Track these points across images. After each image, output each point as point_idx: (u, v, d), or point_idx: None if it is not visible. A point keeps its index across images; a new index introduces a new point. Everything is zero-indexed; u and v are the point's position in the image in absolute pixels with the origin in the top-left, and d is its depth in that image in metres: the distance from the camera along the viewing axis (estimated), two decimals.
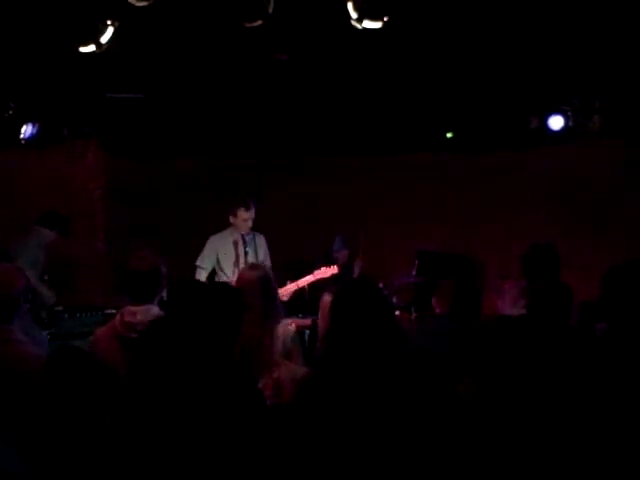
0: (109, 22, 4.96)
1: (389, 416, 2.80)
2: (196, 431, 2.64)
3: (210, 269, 6.50)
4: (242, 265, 6.27)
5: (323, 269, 6.65)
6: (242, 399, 2.82)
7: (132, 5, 4.55)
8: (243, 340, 3.31)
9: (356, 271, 7.69)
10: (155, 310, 3.71)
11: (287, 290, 6.36)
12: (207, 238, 6.58)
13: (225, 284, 4.70)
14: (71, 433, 2.71)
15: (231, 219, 6.39)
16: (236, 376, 2.89)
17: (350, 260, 7.82)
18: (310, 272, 6.64)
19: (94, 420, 2.72)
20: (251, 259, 6.30)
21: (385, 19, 4.67)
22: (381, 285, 6.49)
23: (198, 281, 6.23)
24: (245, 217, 6.33)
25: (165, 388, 2.68)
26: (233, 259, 6.41)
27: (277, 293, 4.13)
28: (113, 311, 5.97)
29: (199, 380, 2.72)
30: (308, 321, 6.50)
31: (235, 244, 6.39)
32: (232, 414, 2.74)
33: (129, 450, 2.62)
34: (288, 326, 4.10)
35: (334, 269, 6.68)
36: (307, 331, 6.24)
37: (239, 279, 4.16)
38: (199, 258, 6.50)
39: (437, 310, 4.86)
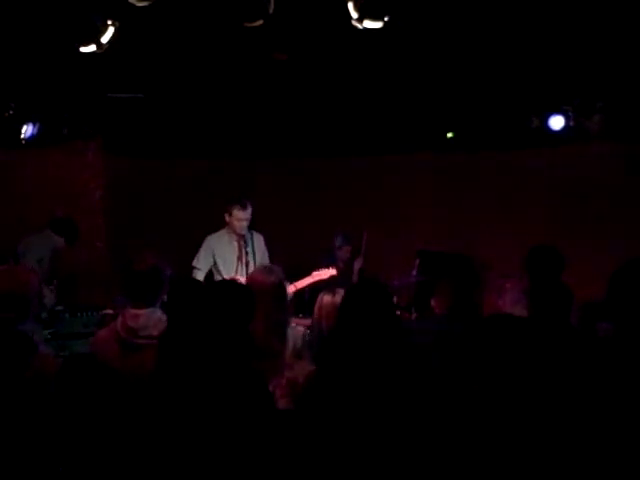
0: (109, 22, 4.96)
1: (392, 416, 2.80)
2: (210, 434, 2.65)
3: (207, 269, 6.43)
4: (244, 264, 6.25)
5: (322, 271, 6.64)
6: (253, 403, 2.81)
7: (132, 5, 4.55)
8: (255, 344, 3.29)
9: (356, 267, 7.69)
10: (158, 314, 3.67)
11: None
12: (205, 239, 6.54)
13: (233, 282, 4.67)
14: (86, 435, 2.71)
15: (227, 218, 6.31)
16: (248, 379, 2.89)
17: (352, 257, 7.81)
18: (309, 274, 6.63)
19: (107, 424, 2.73)
20: (250, 259, 6.27)
21: (385, 19, 4.66)
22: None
23: (198, 281, 6.19)
24: (240, 217, 6.22)
25: (183, 391, 2.69)
26: (232, 259, 6.38)
27: (287, 297, 4.10)
28: (110, 312, 6.00)
29: (212, 382, 2.72)
30: (308, 321, 6.49)
31: (237, 243, 6.36)
32: (242, 417, 2.74)
33: (144, 451, 2.63)
34: (297, 328, 4.10)
35: (332, 271, 6.66)
36: (307, 331, 6.23)
37: (252, 281, 4.10)
38: (195, 258, 6.44)
39: (437, 311, 4.85)
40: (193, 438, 2.66)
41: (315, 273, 6.58)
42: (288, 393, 3.51)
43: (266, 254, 6.51)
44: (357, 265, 7.69)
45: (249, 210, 6.23)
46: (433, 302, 4.84)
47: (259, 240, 6.45)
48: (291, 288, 6.37)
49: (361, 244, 7.63)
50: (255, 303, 3.19)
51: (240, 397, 2.77)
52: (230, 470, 2.68)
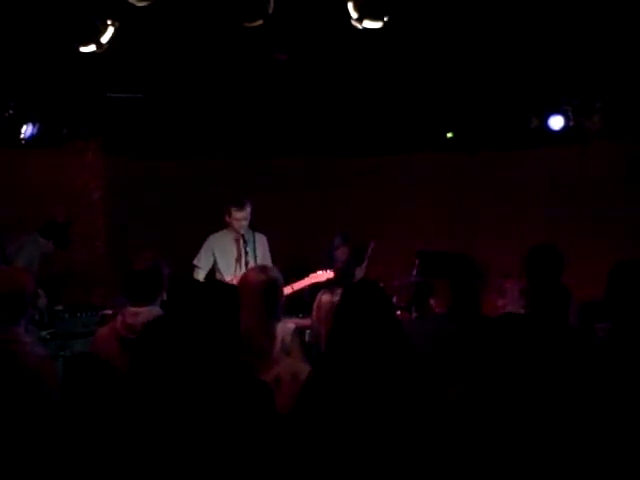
0: (109, 22, 4.96)
1: (389, 419, 2.80)
2: (203, 428, 2.65)
3: (208, 268, 6.45)
4: (243, 265, 6.26)
5: (319, 273, 6.64)
6: (250, 394, 2.81)
7: (132, 5, 4.55)
8: (242, 341, 3.30)
9: (358, 276, 7.66)
10: (157, 311, 3.69)
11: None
12: (207, 238, 6.56)
13: (217, 281, 4.68)
14: (81, 434, 2.72)
15: (226, 218, 6.34)
16: (239, 371, 2.89)
17: (351, 258, 7.79)
18: (307, 274, 6.63)
19: (105, 422, 2.73)
20: (250, 259, 6.28)
21: (385, 19, 4.66)
22: (381, 285, 6.49)
23: (192, 279, 6.21)
24: (238, 217, 6.24)
25: (168, 388, 2.69)
26: (232, 258, 6.39)
27: (282, 297, 4.10)
28: (110, 312, 6.00)
29: (202, 379, 2.72)
30: (308, 321, 6.48)
31: (236, 243, 6.37)
32: (241, 410, 2.75)
33: (135, 449, 2.63)
34: (287, 324, 4.10)
35: (329, 274, 6.66)
36: (307, 331, 6.23)
37: (243, 279, 4.13)
38: (196, 257, 6.47)
39: (436, 310, 4.82)
40: (190, 435, 2.66)
41: (312, 275, 6.59)
42: (273, 388, 3.53)
43: (268, 255, 6.51)
44: (359, 274, 7.66)
45: (247, 209, 6.25)
46: (432, 301, 4.82)
47: (261, 241, 6.46)
48: (287, 289, 6.37)
49: (365, 253, 7.60)
50: (238, 302, 3.19)
51: (233, 392, 2.77)
52: (228, 467, 2.68)
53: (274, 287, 3.97)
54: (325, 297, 4.24)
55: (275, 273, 4.10)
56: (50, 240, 6.74)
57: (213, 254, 6.43)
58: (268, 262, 6.37)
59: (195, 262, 6.45)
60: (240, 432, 2.70)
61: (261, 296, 3.85)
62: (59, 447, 2.78)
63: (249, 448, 2.69)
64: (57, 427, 2.85)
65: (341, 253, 7.77)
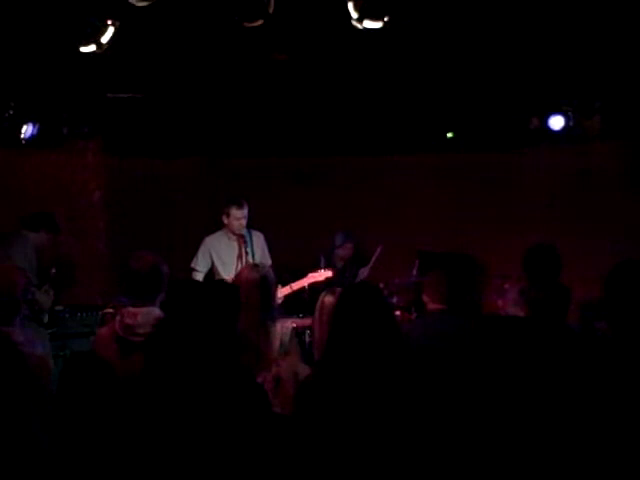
0: (109, 22, 4.96)
1: (389, 420, 2.80)
2: (203, 430, 2.66)
3: (205, 271, 6.42)
4: (243, 264, 6.25)
5: (317, 272, 6.63)
6: (246, 397, 2.82)
7: (132, 5, 4.55)
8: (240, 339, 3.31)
9: (361, 277, 7.64)
10: (156, 312, 3.69)
11: (280, 293, 6.26)
12: (203, 240, 6.53)
13: (221, 281, 4.69)
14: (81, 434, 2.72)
15: (224, 219, 6.32)
16: (238, 373, 2.89)
17: (354, 256, 7.76)
18: (306, 274, 6.61)
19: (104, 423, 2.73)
20: (251, 258, 6.28)
21: (386, 19, 4.67)
22: (381, 285, 6.49)
23: (194, 280, 6.20)
24: (238, 216, 6.24)
25: (171, 389, 2.69)
26: (232, 259, 6.38)
27: (275, 294, 4.12)
28: (111, 310, 5.99)
29: (203, 380, 2.73)
30: (308, 321, 6.49)
31: (237, 243, 6.36)
32: (237, 412, 2.75)
33: (132, 449, 2.64)
34: (285, 324, 4.11)
35: (328, 272, 6.65)
36: (307, 331, 6.23)
37: (238, 277, 4.15)
38: (193, 260, 6.43)
39: (429, 306, 4.73)
40: (187, 435, 2.67)
41: (311, 274, 6.57)
42: (273, 387, 3.54)
43: (266, 251, 6.50)
44: (362, 275, 7.65)
45: (246, 209, 6.26)
46: (425, 297, 4.73)
47: (258, 238, 6.46)
48: (286, 289, 6.37)
49: (371, 255, 7.59)
50: (240, 301, 3.19)
51: (230, 394, 2.77)
52: (225, 467, 2.68)
53: (267, 285, 3.99)
54: (328, 298, 4.24)
55: (267, 271, 4.12)
56: (41, 230, 6.51)
57: (210, 256, 6.41)
58: (267, 259, 6.37)
59: (193, 265, 6.42)
60: (236, 434, 2.70)
61: (255, 294, 3.87)
62: (57, 446, 2.78)
63: (245, 450, 2.70)
64: (54, 426, 2.85)
65: (344, 251, 7.71)
